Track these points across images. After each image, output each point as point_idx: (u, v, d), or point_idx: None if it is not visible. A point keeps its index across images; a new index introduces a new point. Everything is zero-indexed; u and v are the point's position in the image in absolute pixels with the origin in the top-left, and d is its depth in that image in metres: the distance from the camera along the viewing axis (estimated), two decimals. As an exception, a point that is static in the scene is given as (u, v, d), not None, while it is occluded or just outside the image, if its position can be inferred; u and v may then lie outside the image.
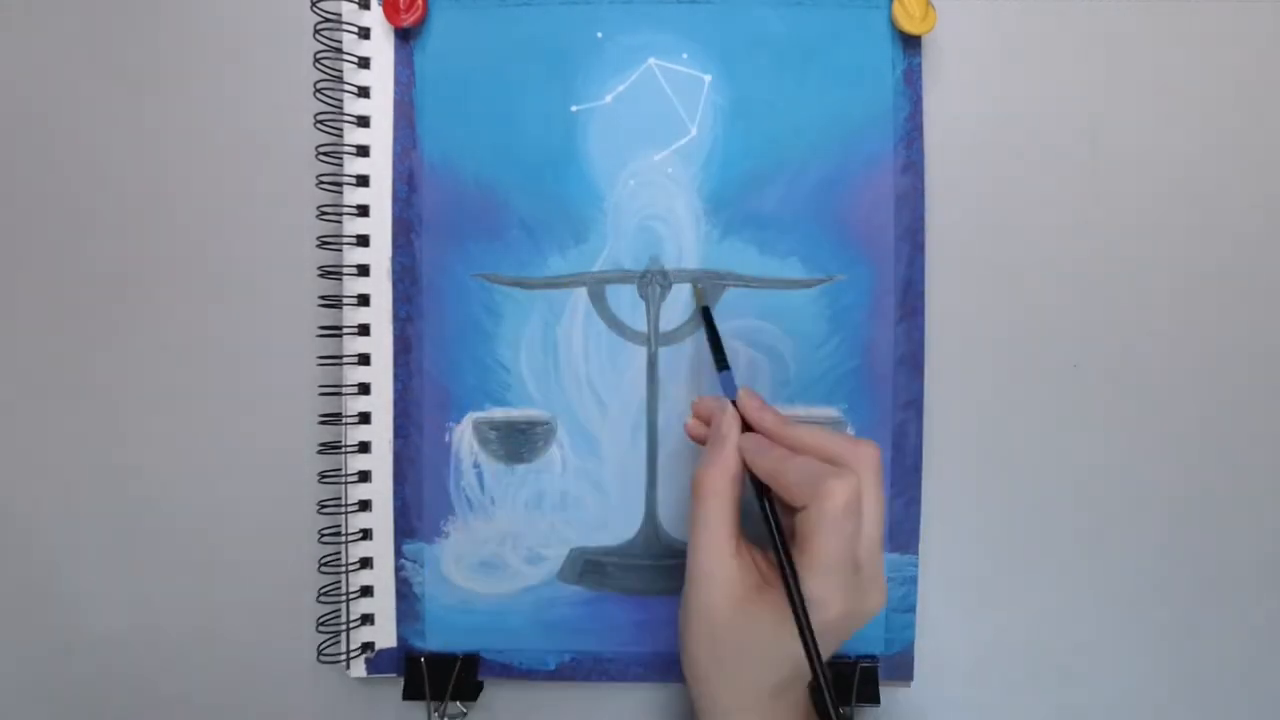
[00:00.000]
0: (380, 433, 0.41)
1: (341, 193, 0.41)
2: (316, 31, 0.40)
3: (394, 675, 0.42)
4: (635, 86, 0.41)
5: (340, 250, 0.41)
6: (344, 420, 0.41)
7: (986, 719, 0.43)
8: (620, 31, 0.41)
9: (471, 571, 0.42)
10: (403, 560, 0.42)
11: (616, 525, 0.42)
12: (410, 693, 0.42)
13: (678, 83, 0.41)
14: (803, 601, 0.31)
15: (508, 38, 0.41)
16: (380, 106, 0.41)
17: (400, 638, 0.42)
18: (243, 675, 0.43)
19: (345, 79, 0.41)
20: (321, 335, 0.41)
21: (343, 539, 0.41)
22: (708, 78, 0.41)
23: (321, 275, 0.41)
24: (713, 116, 0.41)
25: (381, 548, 0.42)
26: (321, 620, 0.41)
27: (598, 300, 0.41)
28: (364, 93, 0.41)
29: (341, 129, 0.41)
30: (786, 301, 0.41)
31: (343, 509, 0.41)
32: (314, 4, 0.40)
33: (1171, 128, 0.43)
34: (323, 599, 0.41)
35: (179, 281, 0.43)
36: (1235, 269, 0.43)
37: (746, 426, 0.35)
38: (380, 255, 0.41)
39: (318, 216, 0.41)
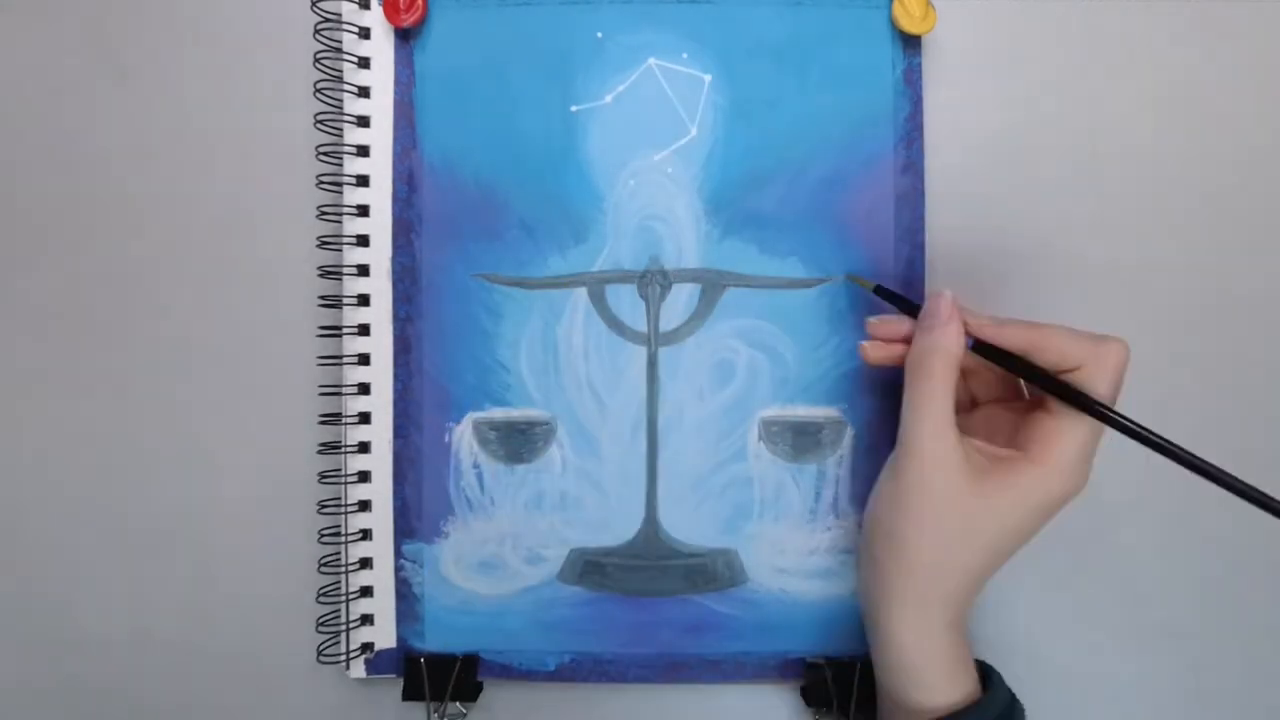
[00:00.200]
0: (380, 433, 0.41)
1: (341, 193, 0.41)
2: (316, 31, 0.40)
3: (394, 676, 0.42)
4: (635, 86, 0.41)
5: (340, 250, 0.41)
6: (344, 420, 0.41)
7: (987, 719, 0.43)
8: (620, 31, 0.41)
9: (471, 572, 0.42)
10: (402, 560, 0.42)
11: (616, 525, 0.42)
12: (410, 693, 0.41)
13: (678, 83, 0.41)
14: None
15: (508, 38, 0.41)
16: (380, 106, 0.41)
17: (400, 638, 0.42)
18: (242, 675, 0.43)
19: (345, 79, 0.41)
20: (321, 335, 0.41)
21: (342, 539, 0.41)
22: (708, 78, 0.41)
23: (321, 275, 0.41)
24: (713, 116, 0.41)
25: (381, 548, 0.42)
26: (321, 621, 0.41)
27: (598, 300, 0.41)
28: (364, 93, 0.41)
29: (341, 129, 0.41)
30: (786, 301, 0.41)
31: (342, 509, 0.41)
32: (314, 4, 0.40)
33: (1171, 128, 0.43)
34: (322, 599, 0.41)
35: (178, 281, 0.43)
36: (1235, 269, 0.43)
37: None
38: (380, 255, 0.41)
39: (318, 216, 0.41)
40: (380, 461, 0.42)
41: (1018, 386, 0.37)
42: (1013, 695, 0.36)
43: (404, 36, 0.41)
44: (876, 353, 0.37)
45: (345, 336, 0.41)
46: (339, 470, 0.41)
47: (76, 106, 0.43)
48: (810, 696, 0.41)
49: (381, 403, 0.41)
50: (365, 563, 0.42)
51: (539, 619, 0.42)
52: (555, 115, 0.41)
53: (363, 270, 0.41)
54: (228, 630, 0.43)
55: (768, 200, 0.41)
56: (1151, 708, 0.43)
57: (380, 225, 0.41)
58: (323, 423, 0.41)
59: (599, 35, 0.41)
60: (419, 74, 0.41)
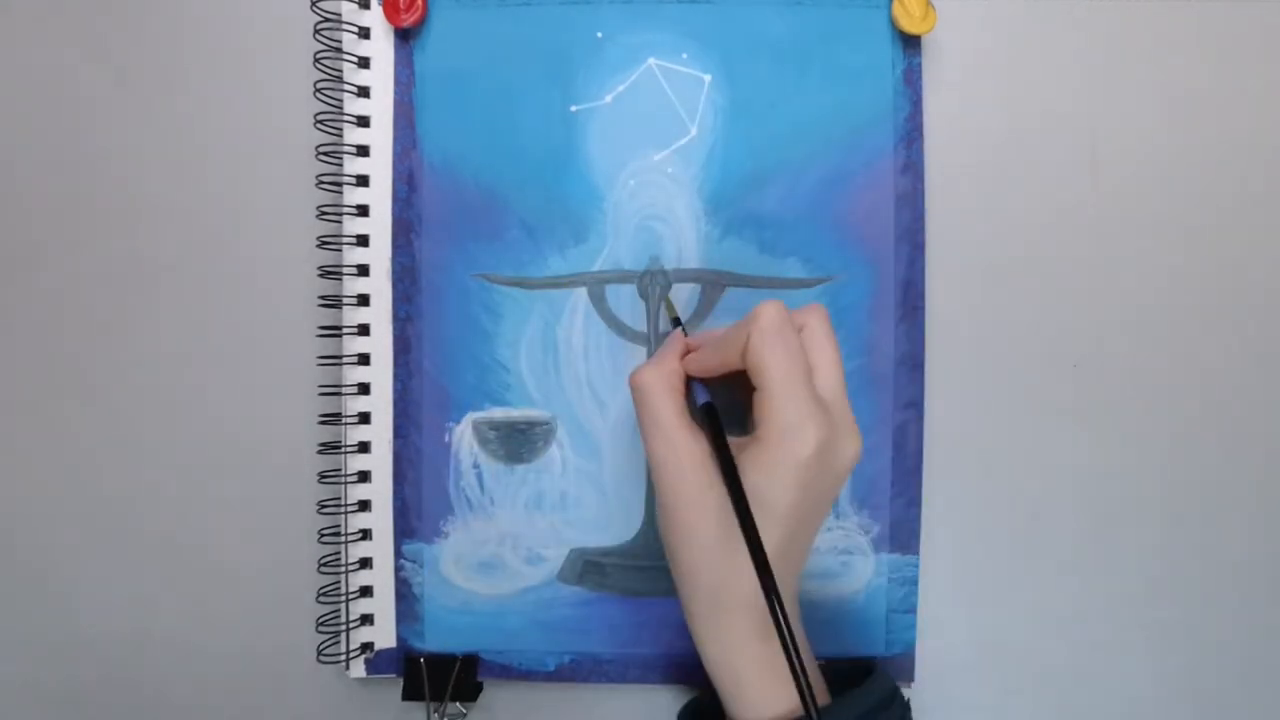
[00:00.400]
0: (380, 433, 0.41)
1: (341, 193, 0.41)
2: (316, 31, 0.40)
3: (393, 676, 0.42)
4: (635, 86, 0.41)
5: (340, 250, 0.41)
6: (344, 420, 0.41)
7: (988, 719, 0.43)
8: (620, 31, 0.41)
9: (471, 572, 0.42)
10: (402, 560, 0.42)
11: (616, 526, 0.42)
12: (410, 693, 0.41)
13: (678, 83, 0.41)
14: (740, 488, 0.31)
15: (508, 38, 0.41)
16: (380, 106, 0.41)
17: (400, 638, 0.42)
18: (242, 675, 0.43)
19: (345, 79, 0.41)
20: (321, 335, 0.41)
21: (342, 539, 0.41)
22: (708, 78, 0.41)
23: (321, 275, 0.41)
24: (713, 116, 0.41)
25: (381, 548, 0.42)
26: (321, 620, 0.41)
27: (598, 300, 0.41)
28: (364, 93, 0.41)
29: (341, 129, 0.41)
30: (786, 301, 0.41)
31: (342, 509, 0.41)
32: (314, 4, 0.40)
33: (1171, 128, 0.43)
34: (322, 599, 0.41)
35: (178, 281, 0.43)
36: (1235, 269, 0.43)
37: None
38: (380, 255, 0.41)
39: (318, 216, 0.41)
40: (380, 461, 0.42)
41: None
42: (893, 692, 0.34)
43: (404, 36, 0.41)
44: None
45: (345, 336, 0.41)
46: (339, 470, 0.41)
47: (76, 107, 0.43)
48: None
49: (381, 403, 0.41)
50: (365, 563, 0.42)
51: (539, 619, 0.42)
52: (555, 115, 0.41)
53: (363, 270, 0.41)
54: (228, 630, 0.43)
55: (768, 200, 0.41)
56: (1152, 708, 0.43)
57: (380, 225, 0.41)
58: (323, 423, 0.41)
59: (599, 35, 0.41)
60: (419, 74, 0.41)
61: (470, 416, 0.42)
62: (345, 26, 0.41)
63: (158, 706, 0.44)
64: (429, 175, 0.41)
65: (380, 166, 0.41)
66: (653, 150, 0.41)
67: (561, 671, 0.42)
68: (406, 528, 0.42)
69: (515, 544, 0.42)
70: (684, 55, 0.41)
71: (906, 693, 0.42)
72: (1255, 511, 0.43)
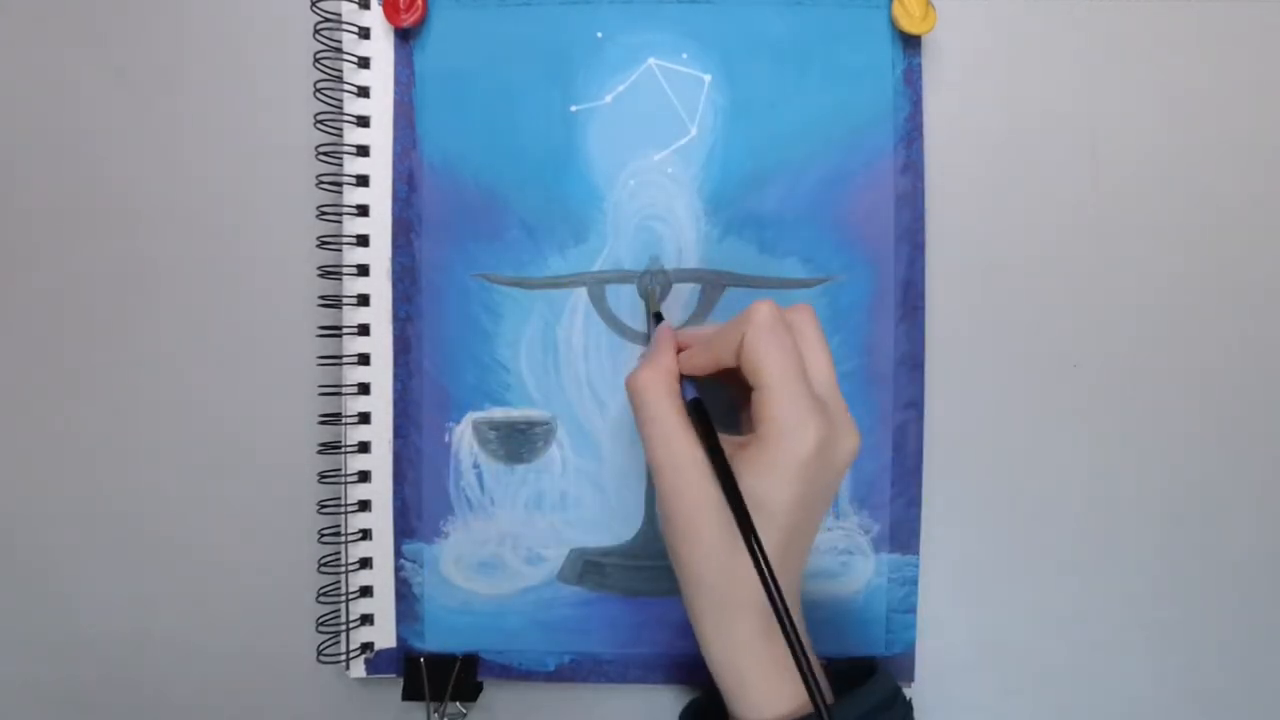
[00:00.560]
0: (380, 433, 0.41)
1: (341, 193, 0.41)
2: (316, 31, 0.40)
3: (393, 676, 0.42)
4: (635, 86, 0.41)
5: (340, 250, 0.41)
6: (344, 420, 0.41)
7: (988, 719, 0.43)
8: (620, 31, 0.41)
9: (471, 572, 0.42)
10: (402, 560, 0.42)
11: (616, 526, 0.42)
12: (410, 693, 0.41)
13: (678, 83, 0.41)
14: (737, 490, 0.30)
15: (508, 38, 0.41)
16: (380, 106, 0.41)
17: (400, 638, 0.42)
18: (242, 675, 0.43)
19: (345, 79, 0.41)
20: (321, 335, 0.41)
21: (342, 539, 0.41)
22: (708, 78, 0.41)
23: (321, 275, 0.41)
24: (713, 116, 0.41)
25: (381, 548, 0.42)
26: (321, 620, 0.41)
27: (598, 300, 0.41)
28: (364, 93, 0.41)
29: (341, 129, 0.41)
30: (786, 301, 0.41)
31: (342, 509, 0.41)
32: (314, 4, 0.40)
33: (1171, 128, 0.43)
34: (322, 599, 0.41)
35: (178, 281, 0.43)
36: (1235, 269, 0.43)
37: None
38: (380, 255, 0.41)
39: (318, 216, 0.41)
40: (380, 461, 0.42)
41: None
42: (895, 692, 0.34)
43: (404, 36, 0.41)
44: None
45: (345, 336, 0.41)
46: (339, 470, 0.41)
47: (76, 106, 0.43)
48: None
49: (381, 403, 0.41)
50: (365, 563, 0.42)
51: (539, 619, 0.42)
52: (555, 115, 0.41)
53: (363, 270, 0.41)
54: (228, 630, 0.43)
55: (768, 200, 0.41)
56: (1152, 708, 0.43)
57: (380, 225, 0.41)
58: (323, 423, 0.41)
59: (599, 35, 0.41)
60: (419, 74, 0.41)
61: (470, 416, 0.42)
62: (345, 26, 0.41)
63: (158, 706, 0.44)
64: (429, 175, 0.41)
65: (380, 166, 0.41)
66: (653, 150, 0.41)
67: (561, 671, 0.42)
68: (406, 528, 0.42)
69: (515, 544, 0.42)
70: (684, 55, 0.41)
71: (907, 692, 0.42)
72: (1255, 511, 0.43)
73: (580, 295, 0.41)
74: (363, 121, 0.41)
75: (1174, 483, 0.43)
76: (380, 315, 0.41)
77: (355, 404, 0.41)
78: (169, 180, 0.43)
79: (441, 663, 0.41)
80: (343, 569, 0.41)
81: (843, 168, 0.41)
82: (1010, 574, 0.43)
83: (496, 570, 0.42)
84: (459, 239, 0.41)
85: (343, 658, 0.41)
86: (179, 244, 0.43)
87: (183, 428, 0.43)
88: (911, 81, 0.41)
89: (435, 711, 0.41)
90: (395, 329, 0.41)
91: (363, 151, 0.41)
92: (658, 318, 0.39)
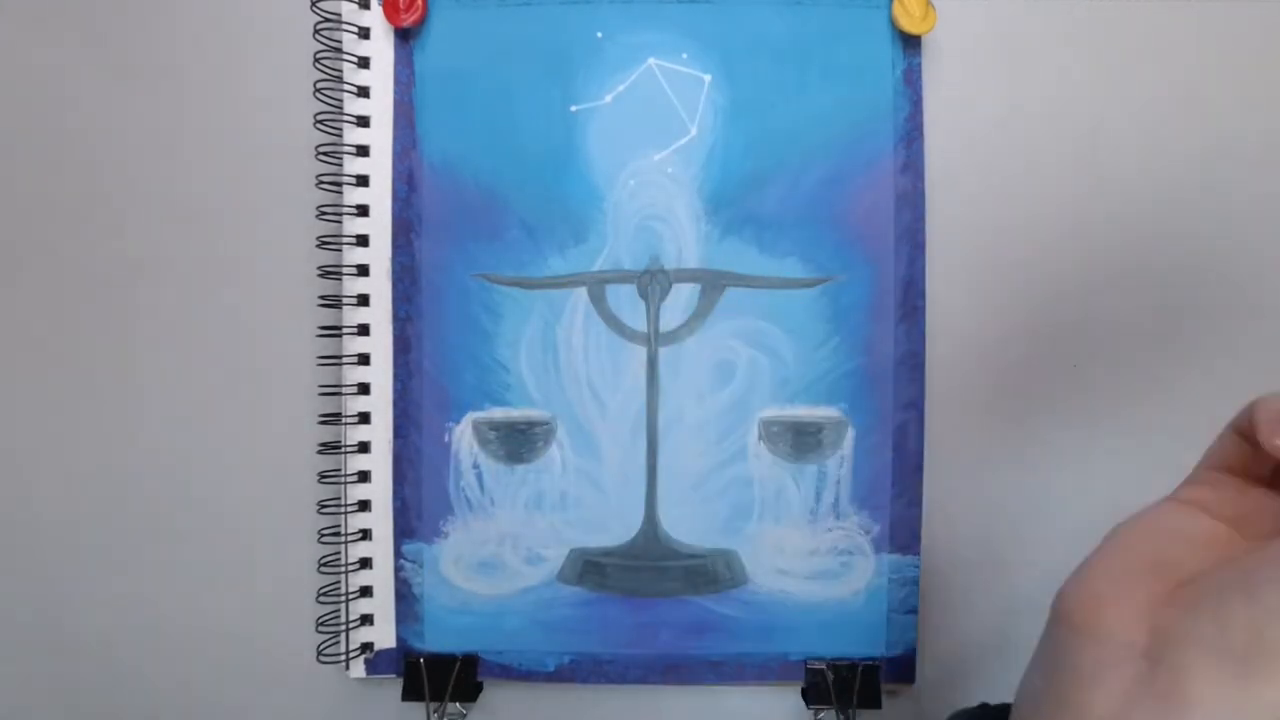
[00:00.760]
0: (380, 433, 0.41)
1: (341, 193, 0.41)
2: (316, 31, 0.40)
3: (393, 676, 0.42)
4: (635, 86, 0.41)
5: (340, 250, 0.41)
6: (344, 420, 0.41)
7: (987, 720, 0.43)
8: (620, 31, 0.41)
9: (471, 572, 0.42)
10: (402, 560, 0.42)
11: (616, 526, 0.42)
12: (409, 693, 0.41)
13: (678, 83, 0.41)
14: None
15: (508, 38, 0.41)
16: (380, 106, 0.41)
17: (399, 638, 0.42)
18: (243, 675, 0.43)
19: (345, 79, 0.41)
20: (321, 335, 0.41)
21: (342, 539, 0.41)
22: (708, 78, 0.41)
23: (321, 275, 0.41)
24: (713, 116, 0.41)
25: (381, 548, 0.42)
26: (321, 620, 0.41)
27: (598, 300, 0.41)
28: (364, 93, 0.41)
29: (341, 129, 0.41)
30: (786, 301, 0.41)
31: (342, 509, 0.41)
32: (314, 4, 0.40)
33: (1171, 128, 0.43)
34: (322, 599, 0.41)
35: (178, 281, 0.43)
36: (1235, 269, 0.43)
37: None
38: (380, 255, 0.41)
39: (318, 216, 0.41)
40: (380, 461, 0.41)
41: None
42: None
43: (404, 36, 0.41)
44: None
45: (345, 336, 0.41)
46: (339, 470, 0.41)
47: (76, 106, 0.43)
48: (811, 698, 0.41)
49: (381, 403, 0.41)
50: (365, 563, 0.42)
51: (539, 619, 0.42)
52: (555, 115, 0.41)
53: (363, 270, 0.41)
54: (228, 629, 0.43)
55: (768, 200, 0.41)
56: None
57: (380, 225, 0.41)
58: (323, 423, 0.41)
59: (599, 35, 0.41)
60: (419, 74, 0.41)
61: (470, 416, 0.42)
62: (345, 26, 0.41)
63: (158, 706, 0.44)
64: (429, 175, 0.41)
65: (380, 166, 0.41)
66: (653, 150, 0.41)
67: (561, 671, 0.42)
68: (406, 528, 0.42)
69: (515, 544, 0.42)
70: (684, 55, 0.41)
71: (908, 694, 0.42)
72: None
73: (580, 295, 0.41)
74: (363, 121, 0.41)
75: (1174, 483, 0.43)
76: (380, 315, 0.41)
77: (355, 404, 0.41)
78: (169, 180, 0.43)
79: (441, 663, 0.41)
80: (343, 569, 0.41)
81: (843, 168, 0.41)
82: (1010, 574, 0.43)
83: (496, 570, 0.42)
84: (459, 239, 0.41)
85: (343, 658, 0.41)
86: (179, 244, 0.43)
87: (183, 427, 0.43)
88: (911, 81, 0.41)
89: (435, 711, 0.41)
90: (395, 329, 0.41)
91: (363, 151, 0.41)
92: None
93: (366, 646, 0.42)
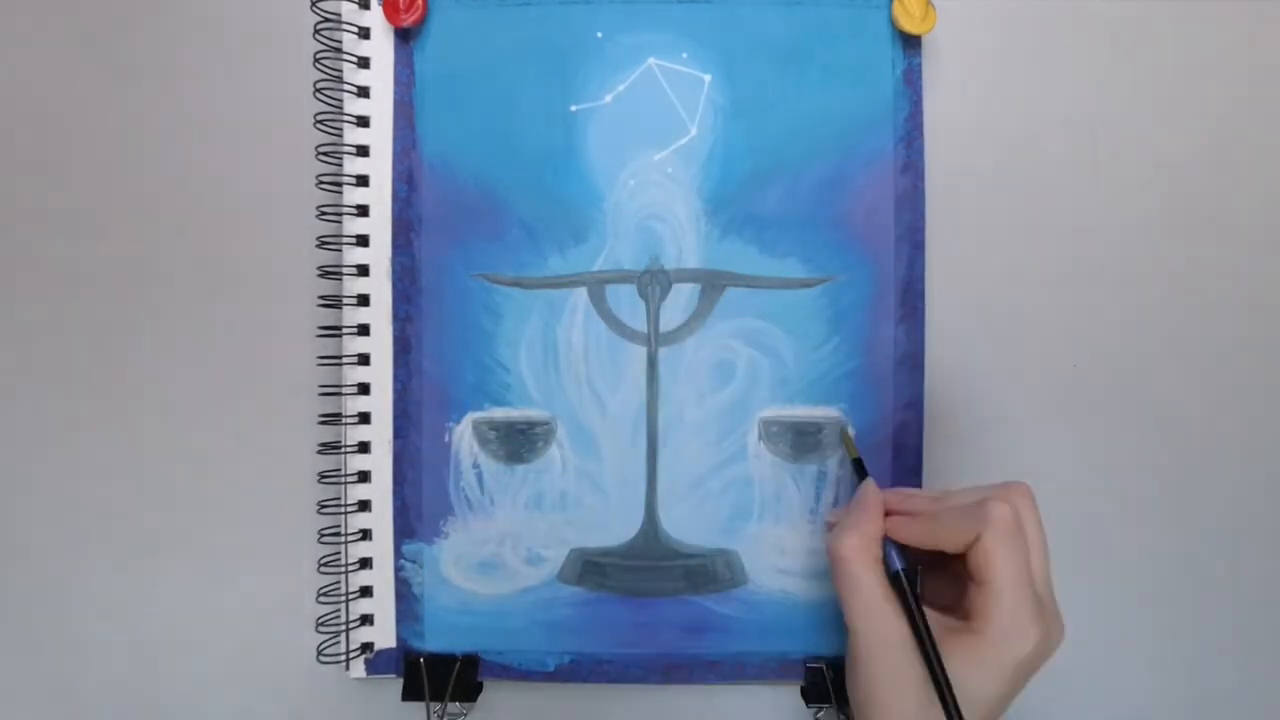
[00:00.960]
0: (380, 433, 0.41)
1: (341, 193, 0.41)
2: (316, 31, 0.40)
3: (393, 676, 0.42)
4: (635, 86, 0.41)
5: (340, 250, 0.41)
6: (344, 420, 0.41)
7: None
8: (620, 31, 0.41)
9: (471, 572, 0.42)
10: (402, 561, 0.42)
11: (616, 526, 0.42)
12: (410, 693, 0.41)
13: (678, 83, 0.41)
14: (945, 675, 0.31)
15: (508, 38, 0.41)
16: (380, 106, 0.41)
17: (400, 638, 0.42)
18: (243, 675, 0.43)
19: (345, 79, 0.41)
20: (321, 335, 0.41)
21: (342, 539, 0.41)
22: (708, 78, 0.41)
23: (321, 275, 0.41)
24: (713, 116, 0.41)
25: (381, 548, 0.42)
26: (321, 620, 0.41)
27: (598, 300, 0.41)
28: (364, 93, 0.41)
29: (341, 129, 0.41)
30: (786, 301, 0.41)
31: (342, 509, 0.41)
32: (314, 4, 0.40)
33: (1171, 128, 0.43)
34: (322, 599, 0.41)
35: (178, 282, 0.43)
36: (1235, 269, 0.43)
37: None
38: (380, 255, 0.41)
39: (318, 216, 0.41)
40: (380, 461, 0.41)
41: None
42: None
43: (404, 36, 0.41)
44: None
45: (345, 336, 0.41)
46: (339, 470, 0.41)
47: (76, 106, 0.43)
48: (810, 697, 0.41)
49: (381, 403, 0.41)
50: (365, 563, 0.42)
51: (539, 619, 0.42)
52: (555, 115, 0.41)
53: (363, 270, 0.41)
54: (228, 629, 0.43)
55: (767, 200, 0.41)
56: (1152, 708, 0.43)
57: (380, 225, 0.41)
58: (323, 423, 0.41)
59: (599, 35, 0.41)
60: (419, 74, 0.41)
61: (470, 416, 0.42)
62: (345, 26, 0.41)
63: (158, 706, 0.44)
64: (429, 175, 0.41)
65: (380, 166, 0.41)
66: (653, 150, 0.41)
67: (561, 671, 0.42)
68: (406, 528, 0.42)
69: (515, 544, 0.42)
70: (684, 55, 0.41)
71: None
72: (1255, 511, 0.43)
73: (580, 295, 0.41)
74: (363, 121, 0.41)
75: (1173, 483, 0.43)
76: (380, 315, 0.41)
77: (355, 404, 0.41)
78: (168, 180, 0.43)
79: (441, 663, 0.41)
80: (343, 569, 0.41)
81: (843, 168, 0.41)
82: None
83: (496, 570, 0.42)
84: (459, 239, 0.41)
85: (343, 658, 0.41)
86: (178, 244, 0.43)
87: (183, 427, 0.43)
88: (911, 81, 0.41)
89: (435, 712, 0.41)
90: (395, 329, 0.41)
91: (363, 151, 0.41)
92: (859, 466, 0.38)
93: (367, 646, 0.42)
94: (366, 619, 0.42)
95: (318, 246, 0.41)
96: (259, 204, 0.43)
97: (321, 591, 0.41)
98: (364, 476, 0.41)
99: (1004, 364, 0.43)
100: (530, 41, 0.41)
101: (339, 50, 0.41)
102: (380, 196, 0.41)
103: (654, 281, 0.41)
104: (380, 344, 0.41)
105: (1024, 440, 0.43)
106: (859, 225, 0.41)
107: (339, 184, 0.41)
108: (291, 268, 0.42)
